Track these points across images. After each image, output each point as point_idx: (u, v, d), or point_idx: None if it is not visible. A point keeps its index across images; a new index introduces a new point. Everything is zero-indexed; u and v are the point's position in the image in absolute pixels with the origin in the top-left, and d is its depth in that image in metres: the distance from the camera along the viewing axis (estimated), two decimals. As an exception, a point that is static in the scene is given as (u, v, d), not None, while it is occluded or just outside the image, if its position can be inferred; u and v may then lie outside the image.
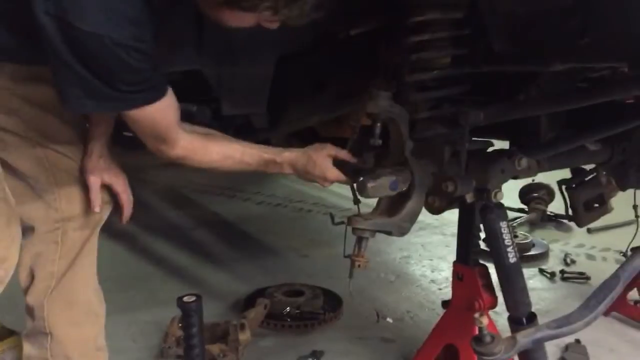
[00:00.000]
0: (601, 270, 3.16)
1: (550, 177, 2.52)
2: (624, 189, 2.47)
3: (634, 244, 2.58)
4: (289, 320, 2.66)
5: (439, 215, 1.96)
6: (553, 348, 2.38)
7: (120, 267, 3.29)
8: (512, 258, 1.86)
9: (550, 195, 4.10)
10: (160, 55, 1.36)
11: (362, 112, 1.73)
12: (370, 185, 1.65)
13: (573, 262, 3.45)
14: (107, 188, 1.70)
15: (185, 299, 1.81)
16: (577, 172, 2.43)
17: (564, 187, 2.40)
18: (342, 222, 1.75)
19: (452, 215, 2.08)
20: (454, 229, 2.12)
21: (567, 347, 2.41)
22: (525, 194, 4.18)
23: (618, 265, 1.73)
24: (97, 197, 1.66)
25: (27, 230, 1.67)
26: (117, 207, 1.75)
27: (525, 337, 1.54)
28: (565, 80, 2.00)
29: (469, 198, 1.83)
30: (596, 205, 2.45)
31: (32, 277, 1.68)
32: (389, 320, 2.73)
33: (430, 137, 1.84)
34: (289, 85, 2.19)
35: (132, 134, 1.57)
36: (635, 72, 1.78)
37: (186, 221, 4.29)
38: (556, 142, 2.06)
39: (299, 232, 4.12)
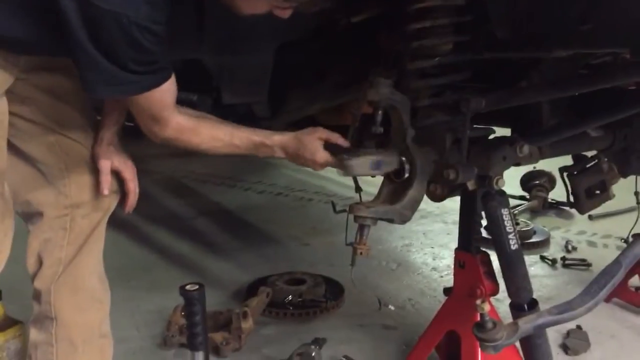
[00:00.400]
0: (602, 257, 3.18)
1: (551, 164, 2.51)
2: (625, 175, 2.47)
3: (635, 231, 2.59)
4: (291, 308, 2.67)
5: (441, 203, 1.96)
6: (554, 334, 2.39)
7: (123, 257, 3.30)
8: (513, 245, 1.86)
9: (552, 183, 4.10)
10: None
11: (363, 100, 1.72)
12: (348, 162, 1.62)
13: (574, 249, 3.46)
14: (115, 177, 1.70)
15: (188, 287, 1.82)
16: (578, 159, 2.43)
17: (565, 174, 2.39)
18: (344, 211, 1.75)
19: (453, 203, 2.08)
20: (455, 216, 2.12)
21: (568, 333, 2.42)
22: (526, 182, 4.18)
23: (619, 252, 1.74)
24: (107, 179, 1.66)
25: (36, 216, 1.68)
26: (121, 197, 1.75)
27: (526, 323, 1.55)
28: (566, 67, 1.99)
29: (471, 185, 1.83)
30: (597, 192, 2.44)
31: (40, 263, 1.69)
32: (391, 307, 2.74)
33: (431, 125, 1.83)
34: (290, 74, 2.18)
35: (133, 124, 1.58)
36: (636, 58, 1.78)
37: (188, 211, 4.30)
38: (558, 129, 2.06)
39: (301, 220, 4.12)
